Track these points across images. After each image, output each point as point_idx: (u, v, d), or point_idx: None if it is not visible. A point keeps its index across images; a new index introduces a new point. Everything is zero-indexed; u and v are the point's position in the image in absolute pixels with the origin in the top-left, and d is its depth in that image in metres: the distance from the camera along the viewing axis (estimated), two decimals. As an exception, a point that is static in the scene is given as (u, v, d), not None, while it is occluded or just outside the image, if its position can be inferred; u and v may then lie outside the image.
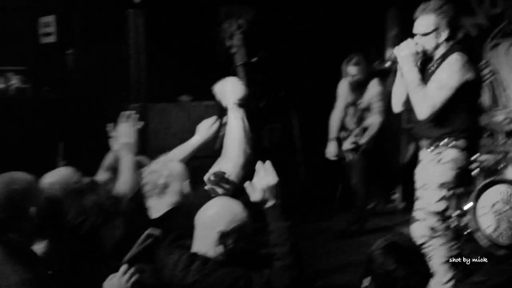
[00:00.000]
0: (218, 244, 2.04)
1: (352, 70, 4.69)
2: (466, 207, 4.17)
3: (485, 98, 5.22)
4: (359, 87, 4.72)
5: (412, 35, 3.00)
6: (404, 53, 2.93)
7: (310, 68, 5.34)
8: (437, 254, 3.00)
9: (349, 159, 4.79)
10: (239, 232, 2.06)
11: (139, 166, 3.22)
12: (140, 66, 4.37)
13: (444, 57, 2.93)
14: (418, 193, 3.10)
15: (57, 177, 2.79)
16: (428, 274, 1.83)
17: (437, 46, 2.95)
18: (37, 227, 1.93)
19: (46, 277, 1.84)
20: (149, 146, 4.17)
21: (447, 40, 2.94)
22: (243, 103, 2.78)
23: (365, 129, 4.78)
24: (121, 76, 4.50)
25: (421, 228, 3.02)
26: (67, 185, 2.58)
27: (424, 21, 2.92)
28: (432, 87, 2.89)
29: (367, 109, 4.75)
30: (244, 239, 2.08)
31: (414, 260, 1.79)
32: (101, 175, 3.11)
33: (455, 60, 2.86)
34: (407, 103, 3.09)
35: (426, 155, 3.12)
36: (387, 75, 4.62)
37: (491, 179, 4.11)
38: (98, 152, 4.08)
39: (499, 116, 4.88)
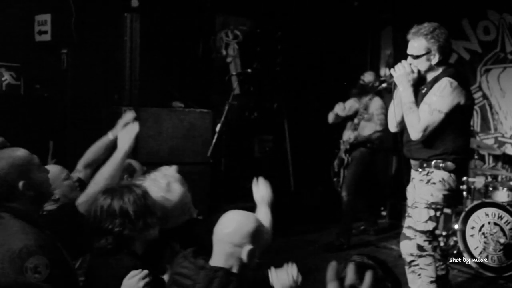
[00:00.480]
0: (246, 260, 1.93)
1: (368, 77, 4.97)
2: (454, 228, 4.21)
3: (476, 122, 5.28)
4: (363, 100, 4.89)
5: (407, 56, 3.06)
6: (399, 74, 3.00)
7: (304, 81, 5.36)
8: (424, 273, 3.00)
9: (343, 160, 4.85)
10: (262, 247, 2.01)
11: (129, 169, 3.18)
12: (134, 69, 4.33)
13: (435, 80, 2.97)
14: (408, 211, 3.11)
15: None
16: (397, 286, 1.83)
17: (429, 68, 3.00)
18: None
19: (54, 243, 1.92)
20: (139, 150, 4.11)
21: (438, 63, 2.99)
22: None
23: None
24: (115, 78, 4.46)
25: (410, 246, 3.02)
26: (56, 182, 2.60)
27: (416, 44, 2.97)
28: (423, 110, 2.94)
29: (368, 120, 4.87)
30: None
31: (382, 277, 1.73)
32: (81, 173, 3.07)
33: (445, 85, 2.90)
34: (402, 123, 3.13)
35: (416, 175, 3.14)
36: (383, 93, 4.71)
37: (480, 201, 4.15)
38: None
39: (489, 140, 4.93)
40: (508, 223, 3.89)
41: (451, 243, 4.35)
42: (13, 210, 1.86)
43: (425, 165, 3.06)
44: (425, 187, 3.03)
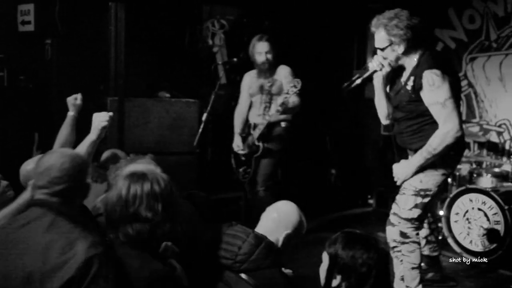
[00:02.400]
0: (281, 243, 2.24)
1: (262, 47, 4.21)
2: (439, 214, 4.26)
3: (461, 110, 5.32)
4: (266, 72, 4.26)
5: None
6: (372, 66, 2.97)
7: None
8: (405, 260, 3.02)
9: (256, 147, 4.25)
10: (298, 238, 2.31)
11: (114, 159, 3.17)
12: (119, 60, 4.30)
13: (417, 73, 2.88)
14: (396, 198, 3.11)
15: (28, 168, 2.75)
16: (386, 253, 1.96)
17: (398, 58, 2.93)
18: None
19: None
20: (126, 140, 4.11)
21: (407, 51, 2.89)
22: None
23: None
24: (100, 69, 4.43)
25: (393, 232, 3.03)
26: None
27: (378, 36, 2.91)
28: (437, 110, 2.85)
29: (277, 94, 4.24)
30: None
31: (374, 242, 1.90)
32: None
33: (432, 78, 2.82)
34: (392, 115, 3.14)
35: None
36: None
37: (464, 187, 4.20)
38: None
39: (474, 127, 4.98)
40: (492, 209, 3.94)
41: (437, 228, 4.40)
42: None
43: (413, 153, 3.03)
44: (415, 175, 2.99)
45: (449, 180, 4.46)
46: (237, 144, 4.32)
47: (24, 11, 4.36)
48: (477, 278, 3.68)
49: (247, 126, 4.34)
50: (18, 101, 4.45)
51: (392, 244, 3.04)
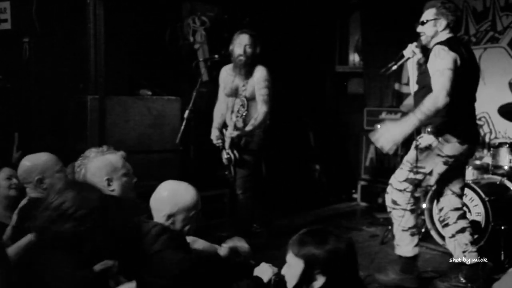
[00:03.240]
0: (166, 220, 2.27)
1: (243, 39, 4.13)
2: (423, 206, 4.30)
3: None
4: (241, 70, 4.14)
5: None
6: (406, 53, 3.33)
7: (273, 66, 5.35)
8: (396, 223, 3.41)
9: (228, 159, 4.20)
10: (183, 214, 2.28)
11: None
12: (99, 57, 4.24)
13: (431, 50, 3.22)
14: (396, 171, 3.44)
15: (40, 161, 2.71)
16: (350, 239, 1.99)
17: (433, 35, 3.26)
18: None
19: None
20: (107, 139, 4.06)
21: (442, 33, 3.24)
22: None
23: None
24: (79, 67, 4.37)
25: (387, 199, 3.44)
26: (49, 172, 2.68)
27: (427, 12, 3.31)
28: (435, 77, 3.09)
29: (251, 99, 4.15)
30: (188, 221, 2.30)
31: (337, 232, 1.97)
32: None
33: (438, 49, 3.13)
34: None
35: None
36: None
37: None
38: (53, 142, 3.95)
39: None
40: (472, 200, 3.99)
41: (420, 222, 4.44)
42: None
43: (423, 127, 3.25)
44: (412, 151, 3.34)
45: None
46: (215, 135, 4.27)
47: (0, 9, 4.28)
48: (458, 269, 3.71)
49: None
50: (-4, 100, 4.37)
51: (388, 209, 3.45)
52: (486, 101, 4.97)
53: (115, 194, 2.55)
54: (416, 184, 3.38)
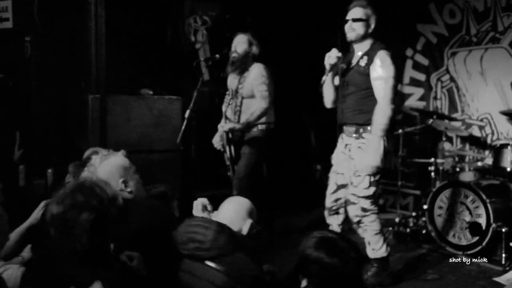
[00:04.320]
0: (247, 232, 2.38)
1: (237, 39, 4.17)
2: (423, 208, 4.29)
3: (444, 104, 5.37)
4: (237, 69, 4.15)
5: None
6: (331, 59, 3.39)
7: (274, 66, 5.35)
8: (369, 229, 3.43)
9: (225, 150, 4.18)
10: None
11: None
12: (100, 56, 4.24)
13: (370, 55, 3.34)
14: (351, 178, 3.41)
15: None
16: (360, 259, 1.89)
17: (363, 36, 3.38)
18: None
19: None
20: (108, 138, 4.06)
21: (366, 36, 3.39)
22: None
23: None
24: (81, 66, 4.37)
25: (355, 209, 3.41)
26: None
27: (356, 11, 3.41)
28: (379, 84, 3.29)
29: (248, 97, 4.13)
30: None
31: (344, 247, 1.86)
32: None
33: (384, 56, 3.31)
34: (336, 101, 3.55)
35: (352, 141, 3.44)
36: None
37: (447, 181, 4.24)
38: (54, 141, 3.95)
39: (457, 122, 5.02)
40: (473, 202, 3.99)
41: (421, 223, 4.45)
42: None
43: (361, 130, 3.37)
44: (364, 154, 3.34)
45: (432, 174, 4.51)
46: (216, 141, 4.25)
47: (2, 8, 4.28)
48: (459, 271, 3.72)
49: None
50: (-2, 99, 4.37)
51: (355, 220, 3.44)
52: (488, 102, 4.98)
53: (133, 194, 2.48)
54: (379, 183, 3.51)
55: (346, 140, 3.50)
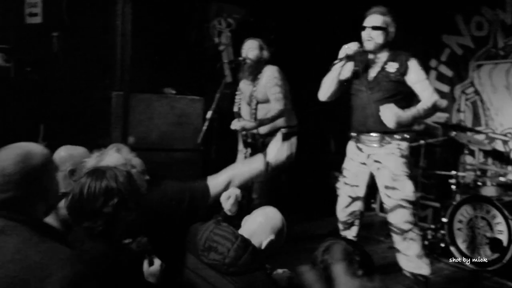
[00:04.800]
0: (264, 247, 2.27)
1: (248, 44, 4.11)
2: (443, 221, 4.23)
3: (467, 117, 5.30)
4: (250, 74, 4.13)
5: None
6: (344, 53, 3.28)
7: (296, 72, 5.34)
8: (418, 239, 3.24)
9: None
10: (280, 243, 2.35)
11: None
12: (125, 54, 4.29)
13: (399, 59, 3.28)
14: (391, 184, 3.26)
15: (74, 151, 2.71)
16: (366, 263, 1.87)
17: (383, 45, 3.29)
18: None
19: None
20: (129, 135, 4.09)
21: (386, 45, 3.31)
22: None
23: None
24: (106, 63, 4.42)
25: (406, 214, 3.21)
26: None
27: (376, 18, 3.30)
28: (425, 85, 3.26)
29: (263, 101, 4.13)
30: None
31: (350, 251, 1.86)
32: None
33: (416, 63, 3.28)
34: (336, 94, 3.47)
35: (375, 152, 3.30)
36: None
37: (469, 195, 4.17)
38: (77, 135, 4.00)
39: (480, 135, 4.95)
40: (495, 218, 3.92)
41: (439, 236, 4.38)
42: None
43: (387, 138, 3.26)
44: (399, 159, 3.25)
45: (453, 187, 4.44)
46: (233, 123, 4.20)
47: (32, 3, 4.35)
48: None
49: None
50: (24, 92, 4.44)
51: (406, 227, 3.21)
52: (513, 117, 4.91)
53: None
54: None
55: (367, 151, 3.36)
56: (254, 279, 2.12)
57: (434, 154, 5.18)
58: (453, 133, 4.53)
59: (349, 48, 3.24)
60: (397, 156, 3.26)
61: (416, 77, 3.25)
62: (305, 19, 5.71)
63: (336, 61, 3.30)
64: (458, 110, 5.39)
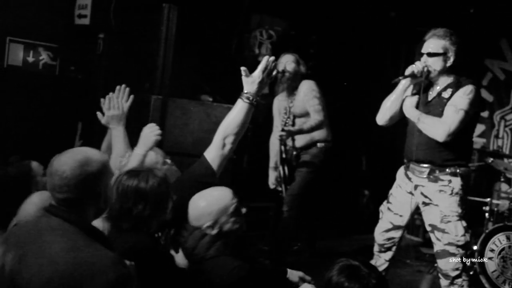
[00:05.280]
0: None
1: (285, 58, 4.10)
2: (473, 249, 4.13)
3: (506, 144, 5.18)
4: (287, 89, 4.17)
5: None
6: (417, 68, 3.02)
7: (334, 87, 5.35)
8: (466, 285, 3.06)
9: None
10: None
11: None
12: (167, 60, 4.37)
13: (457, 86, 3.01)
14: (440, 226, 3.07)
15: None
16: (381, 284, 1.84)
17: (443, 71, 3.03)
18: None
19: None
20: (164, 140, 4.16)
21: (450, 70, 3.04)
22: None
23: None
24: (147, 67, 4.52)
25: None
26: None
27: (433, 44, 3.03)
28: (450, 110, 2.96)
29: (301, 115, 4.16)
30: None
31: (365, 273, 1.82)
32: None
33: (471, 90, 2.98)
34: (395, 118, 3.21)
35: (425, 184, 3.10)
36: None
37: (502, 224, 4.07)
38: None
39: (517, 163, 4.83)
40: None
41: (468, 264, 4.27)
42: None
43: (437, 171, 3.04)
44: (451, 199, 3.03)
45: (486, 215, 4.34)
46: (272, 182, 4.25)
47: (82, 5, 4.50)
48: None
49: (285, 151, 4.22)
50: (66, 90, 4.59)
51: (454, 274, 3.05)
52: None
53: None
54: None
55: (415, 181, 3.16)
56: (219, 264, 2.15)
57: (468, 179, 5.07)
58: (490, 160, 4.43)
59: (417, 67, 3.00)
60: (448, 194, 3.04)
61: (453, 100, 2.98)
62: (345, 35, 5.71)
63: (400, 78, 3.08)
64: (497, 136, 5.28)
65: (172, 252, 2.27)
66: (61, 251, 1.56)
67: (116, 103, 2.86)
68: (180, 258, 2.24)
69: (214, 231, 2.25)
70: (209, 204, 2.25)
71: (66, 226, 1.63)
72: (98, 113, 2.88)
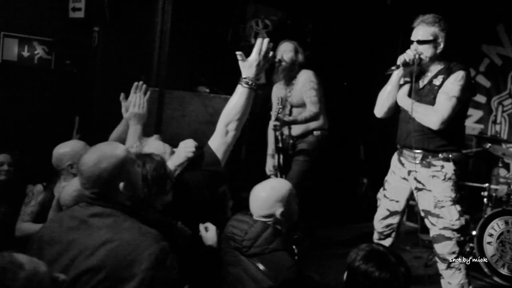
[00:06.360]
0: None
1: (283, 47, 4.04)
2: (472, 234, 4.15)
3: (504, 129, 5.18)
4: (285, 78, 4.12)
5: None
6: (408, 56, 3.00)
7: (331, 76, 5.34)
8: (463, 267, 3.08)
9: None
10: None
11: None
12: (162, 51, 4.35)
13: (448, 72, 2.99)
14: (434, 211, 3.08)
15: (71, 147, 2.86)
16: (409, 275, 1.83)
17: (433, 57, 3.01)
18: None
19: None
20: (161, 131, 4.16)
21: (441, 56, 3.02)
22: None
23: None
24: (143, 59, 4.50)
25: (451, 245, 3.05)
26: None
27: (422, 31, 3.00)
28: (442, 98, 2.95)
29: (298, 105, 4.14)
30: None
31: (393, 261, 1.80)
32: None
33: (462, 76, 2.96)
34: (392, 110, 3.20)
35: (418, 170, 3.10)
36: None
37: (500, 209, 4.08)
38: (111, 128, 4.09)
39: (515, 148, 4.83)
40: (528, 233, 3.83)
41: (467, 249, 4.29)
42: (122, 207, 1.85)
43: (430, 157, 3.05)
44: (444, 184, 3.04)
45: (485, 200, 4.36)
46: (269, 169, 4.25)
47: (76, -2, 4.47)
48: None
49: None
50: (63, 84, 4.57)
51: (450, 257, 3.07)
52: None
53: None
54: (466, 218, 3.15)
55: (408, 166, 3.18)
56: (278, 259, 2.15)
57: (467, 165, 5.08)
58: (488, 145, 4.43)
59: (408, 54, 2.99)
60: (441, 179, 3.05)
61: (445, 87, 2.97)
62: (341, 23, 5.69)
63: (393, 68, 3.06)
64: (494, 122, 5.28)
65: (202, 229, 2.28)
66: (108, 234, 1.71)
67: (138, 101, 2.86)
68: (211, 236, 2.26)
69: (282, 218, 2.26)
70: (278, 190, 2.32)
71: (108, 211, 1.79)
72: (123, 103, 2.90)
